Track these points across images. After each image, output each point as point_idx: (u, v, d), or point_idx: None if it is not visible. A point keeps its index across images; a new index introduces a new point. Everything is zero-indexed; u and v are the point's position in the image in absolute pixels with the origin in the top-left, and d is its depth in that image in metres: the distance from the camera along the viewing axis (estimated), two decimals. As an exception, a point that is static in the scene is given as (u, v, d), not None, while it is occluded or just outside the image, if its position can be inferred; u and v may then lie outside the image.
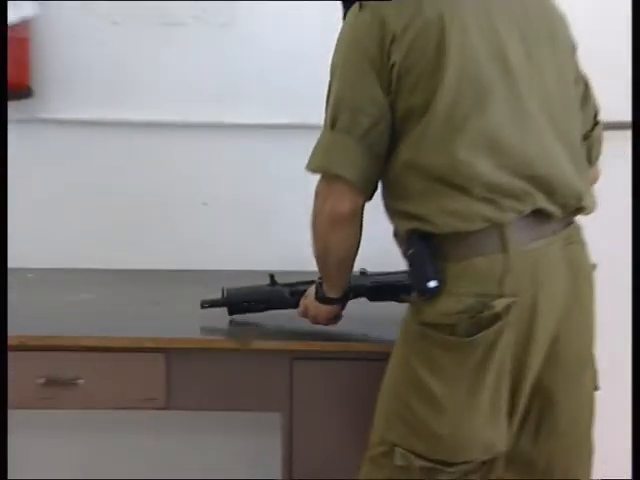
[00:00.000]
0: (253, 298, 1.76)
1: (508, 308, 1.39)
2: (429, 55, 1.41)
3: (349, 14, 1.48)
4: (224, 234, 2.20)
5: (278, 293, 1.74)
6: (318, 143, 1.46)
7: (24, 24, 2.13)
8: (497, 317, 1.39)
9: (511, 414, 1.44)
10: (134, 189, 2.17)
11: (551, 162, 1.44)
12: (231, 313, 1.76)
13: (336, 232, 1.46)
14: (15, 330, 1.56)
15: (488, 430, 1.43)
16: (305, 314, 1.67)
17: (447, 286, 1.42)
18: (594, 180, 1.66)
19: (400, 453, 1.44)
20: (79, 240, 2.19)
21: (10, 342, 1.50)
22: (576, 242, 1.50)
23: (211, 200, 2.20)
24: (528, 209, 1.41)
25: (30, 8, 2.14)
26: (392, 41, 1.40)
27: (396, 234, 1.51)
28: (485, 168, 1.39)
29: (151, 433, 2.27)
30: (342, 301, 1.62)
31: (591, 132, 1.61)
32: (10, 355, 1.47)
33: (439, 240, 1.41)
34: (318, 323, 1.66)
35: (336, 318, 1.64)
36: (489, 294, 1.40)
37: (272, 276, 1.76)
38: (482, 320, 1.39)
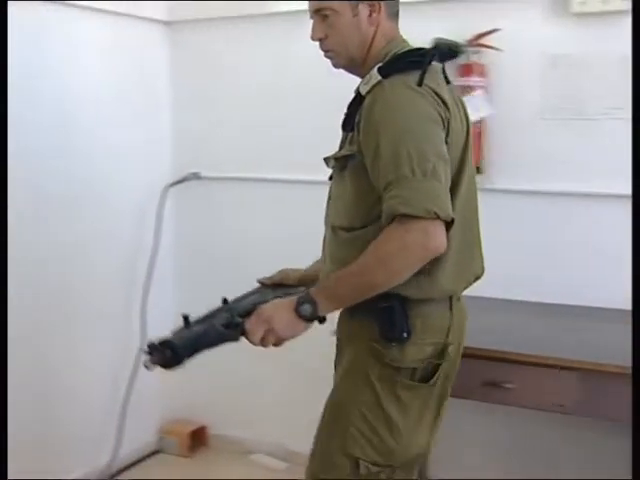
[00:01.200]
0: (199, 343, 1.57)
1: (451, 351, 1.61)
2: (462, 139, 1.60)
3: (395, 83, 1.50)
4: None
5: (213, 329, 1.58)
6: (418, 190, 1.43)
7: (481, 121, 2.51)
8: (442, 360, 1.60)
9: (435, 422, 1.68)
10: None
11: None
12: (178, 363, 1.56)
13: (419, 264, 1.47)
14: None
15: (426, 440, 1.67)
16: (264, 340, 1.56)
17: (413, 337, 1.57)
18: None
19: (364, 466, 1.61)
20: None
21: (469, 352, 1.79)
22: (461, 297, 1.71)
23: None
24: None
25: (487, 110, 2.51)
26: (449, 121, 1.54)
27: None
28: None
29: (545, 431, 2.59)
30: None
31: None
32: (464, 360, 1.74)
33: (411, 299, 1.56)
34: (280, 341, 1.57)
35: None
36: (439, 343, 1.60)
37: (186, 317, 1.58)
38: (432, 364, 1.59)
